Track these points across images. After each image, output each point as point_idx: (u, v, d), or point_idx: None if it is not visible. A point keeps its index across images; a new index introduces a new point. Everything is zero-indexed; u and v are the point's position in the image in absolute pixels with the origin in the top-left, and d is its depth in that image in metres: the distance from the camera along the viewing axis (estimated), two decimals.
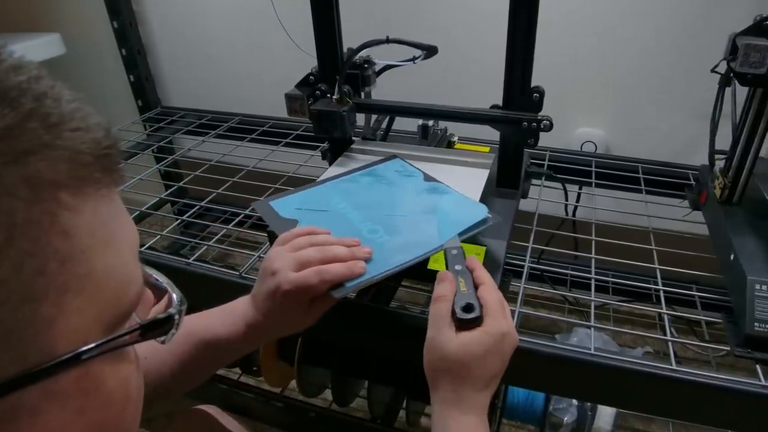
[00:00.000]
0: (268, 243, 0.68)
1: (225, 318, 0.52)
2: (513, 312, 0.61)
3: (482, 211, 0.59)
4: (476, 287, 0.48)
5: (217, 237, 0.81)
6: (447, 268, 0.51)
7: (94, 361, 0.24)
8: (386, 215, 0.60)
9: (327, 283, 0.49)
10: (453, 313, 0.45)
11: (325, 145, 0.83)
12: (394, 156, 0.75)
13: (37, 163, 0.22)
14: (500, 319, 0.45)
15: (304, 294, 0.49)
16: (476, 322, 0.44)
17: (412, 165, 0.72)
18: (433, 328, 0.46)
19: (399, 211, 0.61)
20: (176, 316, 0.29)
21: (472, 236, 0.58)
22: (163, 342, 0.29)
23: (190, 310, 0.48)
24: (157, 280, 0.31)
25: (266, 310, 0.50)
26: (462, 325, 0.44)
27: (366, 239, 0.55)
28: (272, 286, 0.49)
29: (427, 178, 0.69)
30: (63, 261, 0.22)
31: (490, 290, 0.47)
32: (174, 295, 0.30)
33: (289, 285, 0.48)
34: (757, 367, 0.54)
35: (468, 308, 0.45)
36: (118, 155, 0.26)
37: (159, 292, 0.31)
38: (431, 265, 0.58)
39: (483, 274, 0.49)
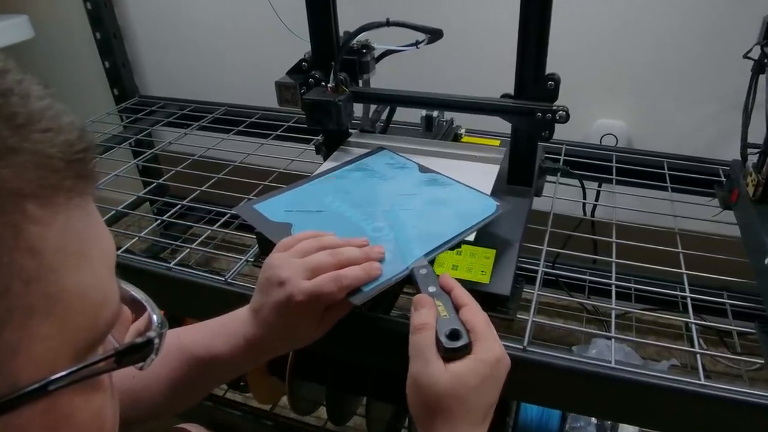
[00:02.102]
0: (257, 246, 0.68)
1: (223, 334, 0.51)
2: (526, 321, 0.61)
3: (490, 201, 0.60)
4: (457, 310, 0.47)
5: (200, 239, 0.81)
6: (418, 292, 0.50)
7: (64, 392, 0.24)
8: (387, 211, 0.61)
9: (345, 289, 0.49)
10: (437, 342, 0.44)
11: (320, 138, 0.83)
12: (382, 148, 0.76)
13: (1, 170, 0.21)
14: (492, 343, 0.44)
15: (319, 304, 0.49)
16: (465, 350, 0.44)
17: (403, 156, 0.73)
18: (417, 362, 0.44)
19: (400, 206, 0.62)
20: (156, 340, 0.28)
21: (479, 239, 0.58)
22: (141, 368, 0.29)
23: (171, 322, 0.48)
24: (135, 296, 0.31)
25: (272, 325, 0.49)
26: (450, 354, 0.43)
27: (372, 238, 0.56)
28: (282, 297, 0.48)
29: (423, 169, 0.70)
30: (29, 281, 0.22)
31: (474, 311, 0.46)
32: (154, 317, 0.30)
33: (303, 295, 0.47)
34: None
35: (454, 335, 0.44)
36: (93, 159, 0.25)
37: (136, 306, 0.31)
38: (436, 270, 0.58)
39: (463, 294, 0.48)
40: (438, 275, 0.51)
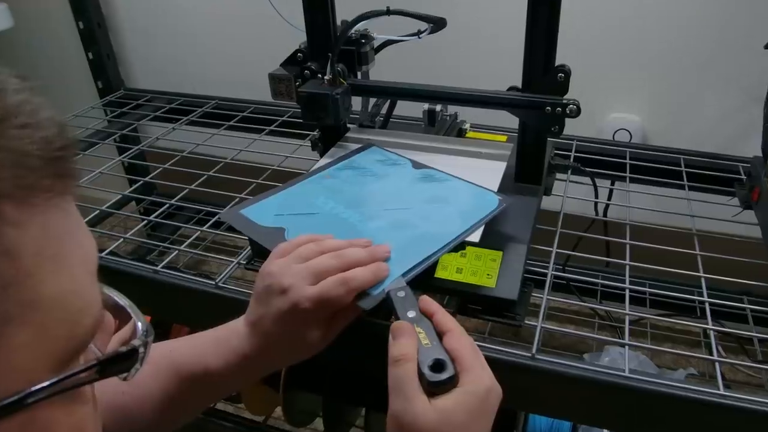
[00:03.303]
0: (249, 249, 0.68)
1: (218, 348, 0.51)
2: (535, 328, 0.61)
3: (492, 196, 0.61)
4: (440, 336, 0.46)
5: (189, 240, 0.81)
6: (396, 318, 0.48)
7: (42, 405, 0.23)
8: (386, 210, 0.61)
9: (353, 292, 0.49)
10: (419, 374, 0.43)
11: (316, 133, 0.83)
12: (371, 144, 0.76)
13: None
14: (480, 372, 0.43)
15: (326, 310, 0.48)
16: (451, 382, 0.42)
17: (394, 152, 0.73)
18: (399, 399, 0.42)
19: (398, 205, 0.62)
20: (141, 349, 0.28)
21: (484, 240, 0.58)
22: (125, 379, 0.28)
23: (158, 329, 0.48)
24: (119, 302, 0.31)
25: (274, 337, 0.49)
26: (434, 389, 0.42)
27: (373, 240, 0.56)
28: (285, 306, 0.48)
29: (417, 165, 0.70)
30: (5, 286, 0.22)
31: (458, 338, 0.45)
32: (139, 324, 0.30)
33: (309, 302, 0.47)
34: None
35: (438, 366, 0.42)
36: (74, 157, 0.25)
37: (120, 312, 0.31)
38: (439, 273, 0.58)
39: (446, 319, 0.47)
40: (417, 298, 0.50)
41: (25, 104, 0.23)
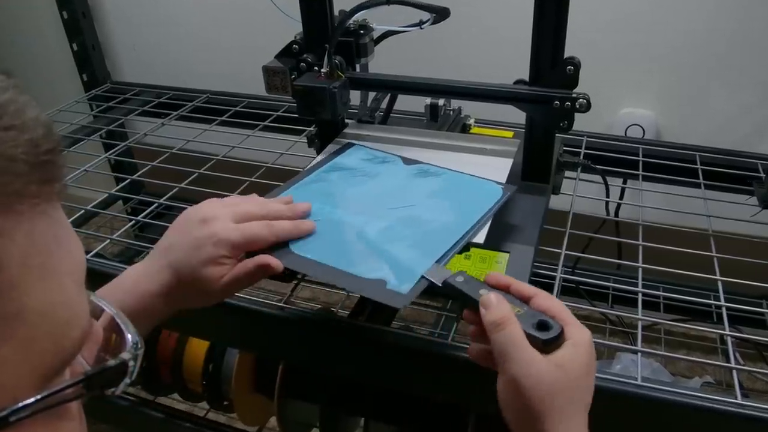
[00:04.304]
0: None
1: (113, 286, 0.52)
2: None
3: (493, 186, 0.63)
4: (525, 303, 0.48)
5: None
6: (465, 307, 0.49)
7: (26, 423, 0.23)
8: (390, 210, 0.62)
9: (275, 236, 0.54)
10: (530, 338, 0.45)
11: (312, 129, 0.83)
12: (351, 143, 0.76)
13: None
14: (579, 326, 0.46)
15: (239, 249, 0.52)
16: (561, 339, 0.45)
17: (379, 149, 0.74)
18: (513, 363, 0.43)
19: (401, 203, 0.63)
20: (131, 363, 0.28)
21: (489, 242, 0.58)
22: (113, 393, 0.28)
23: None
24: (107, 310, 0.31)
25: (179, 267, 0.51)
26: (546, 347, 0.44)
27: (386, 241, 0.57)
28: (203, 233, 0.51)
29: (408, 161, 0.71)
30: None
31: (548, 298, 0.47)
32: (128, 335, 0.30)
33: (230, 233, 0.51)
34: None
35: (544, 325, 0.45)
36: (61, 160, 0.25)
37: (108, 322, 0.31)
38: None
39: (525, 285, 0.49)
40: (482, 277, 0.51)
41: (10, 104, 0.23)
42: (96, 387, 0.27)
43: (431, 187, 0.66)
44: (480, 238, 0.58)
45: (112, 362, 0.28)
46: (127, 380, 0.28)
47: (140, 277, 0.53)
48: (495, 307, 0.46)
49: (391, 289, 0.52)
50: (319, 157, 0.75)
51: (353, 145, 0.76)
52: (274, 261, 0.53)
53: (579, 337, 0.45)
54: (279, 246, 0.56)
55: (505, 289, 0.49)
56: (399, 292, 0.51)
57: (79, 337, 0.26)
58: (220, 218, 0.52)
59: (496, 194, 0.63)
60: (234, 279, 0.52)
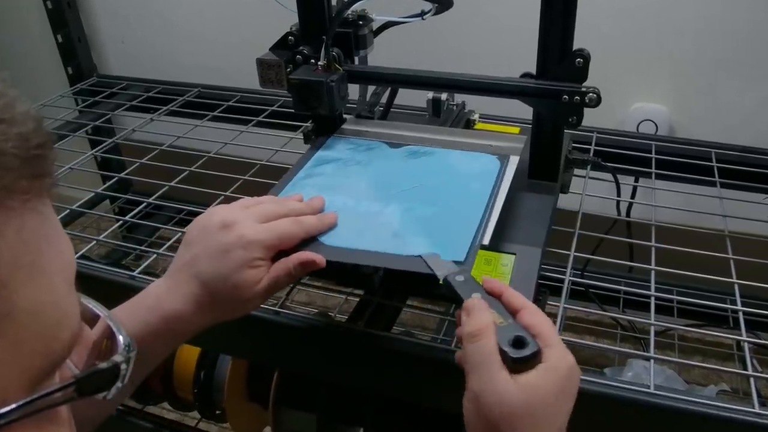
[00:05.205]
0: None
1: (132, 311, 0.51)
2: None
3: (490, 158, 0.69)
4: (513, 315, 0.47)
5: (169, 243, 0.81)
6: (459, 304, 0.49)
7: (14, 427, 0.24)
8: (401, 191, 0.64)
9: (305, 232, 0.54)
10: (500, 352, 0.44)
11: (309, 124, 0.83)
12: (325, 138, 0.77)
13: None
14: (563, 350, 0.45)
15: (271, 249, 0.52)
16: (535, 360, 0.43)
17: (359, 137, 0.76)
18: (478, 377, 0.43)
19: (408, 184, 0.66)
20: (123, 366, 0.29)
21: (495, 243, 0.58)
22: (104, 398, 0.29)
23: None
24: (97, 313, 0.31)
25: (207, 279, 0.51)
26: (518, 366, 0.43)
27: (415, 219, 0.60)
28: (229, 238, 0.51)
29: (393, 144, 0.74)
30: None
31: (536, 314, 0.46)
32: (120, 338, 0.30)
33: (258, 233, 0.51)
34: None
35: (519, 342, 0.44)
36: (51, 155, 0.25)
37: (99, 325, 0.31)
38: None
39: (517, 297, 0.48)
40: (480, 279, 0.51)
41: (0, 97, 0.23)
42: (87, 391, 0.27)
43: (430, 166, 0.69)
44: (485, 239, 0.59)
45: (103, 365, 0.28)
46: (119, 384, 0.29)
47: (163, 294, 0.52)
48: (475, 315, 0.46)
49: (449, 259, 0.54)
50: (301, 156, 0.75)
51: (328, 137, 0.77)
52: (317, 256, 0.53)
53: (556, 361, 0.43)
54: (307, 242, 0.57)
55: (498, 297, 0.49)
56: (458, 260, 0.54)
57: (69, 338, 0.26)
58: (243, 220, 0.52)
59: (494, 165, 0.68)
60: (273, 281, 0.52)
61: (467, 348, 0.45)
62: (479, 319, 0.46)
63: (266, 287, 0.52)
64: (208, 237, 0.52)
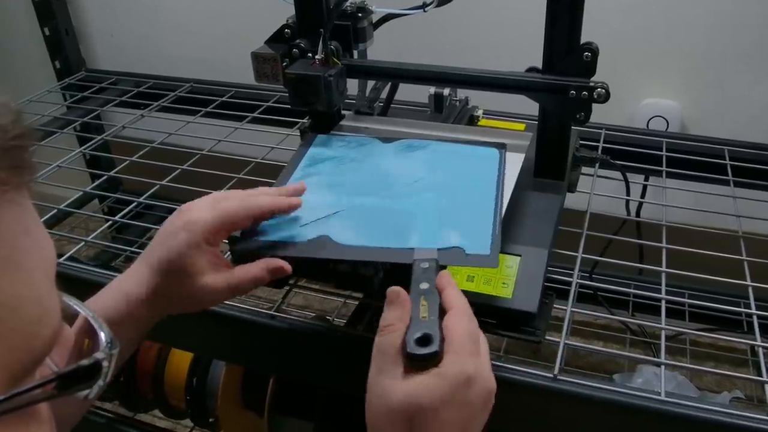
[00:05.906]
0: (228, 253, 0.68)
1: (111, 293, 0.53)
2: (557, 344, 0.61)
3: (489, 149, 0.69)
4: (444, 314, 0.47)
5: None
6: (410, 286, 0.50)
7: None
8: (408, 185, 0.65)
9: (248, 209, 0.55)
10: (404, 346, 0.44)
11: (306, 120, 0.83)
12: (310, 139, 0.77)
13: None
14: (465, 357, 0.44)
15: (220, 228, 0.53)
16: (434, 360, 0.43)
17: (346, 134, 0.76)
18: (374, 369, 0.45)
19: (413, 177, 0.66)
20: (105, 363, 0.29)
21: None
22: (86, 397, 0.29)
23: None
24: (79, 311, 0.31)
25: (162, 261, 0.52)
26: (414, 363, 0.43)
27: (430, 213, 0.60)
28: (178, 222, 0.53)
29: (385, 139, 0.74)
30: None
31: (459, 317, 0.47)
32: (102, 335, 0.30)
33: (206, 213, 0.53)
34: None
35: (424, 340, 0.44)
36: (30, 147, 0.25)
37: (80, 323, 0.31)
38: None
39: (454, 296, 0.49)
40: (438, 272, 0.52)
41: None
42: (67, 388, 0.27)
43: (429, 159, 0.69)
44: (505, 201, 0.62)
45: (84, 362, 0.28)
46: (100, 382, 0.29)
47: (123, 280, 0.54)
48: (391, 309, 0.48)
49: (475, 253, 0.55)
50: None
51: (314, 136, 0.77)
52: (284, 263, 0.54)
53: (449, 369, 0.43)
54: (317, 241, 0.57)
55: (441, 292, 0.49)
56: (483, 254, 0.55)
57: (50, 335, 0.26)
58: (196, 206, 0.55)
59: (494, 155, 0.69)
60: (235, 280, 0.54)
61: (376, 338, 0.47)
62: (392, 315, 0.47)
63: (226, 285, 0.54)
64: (165, 224, 0.55)
